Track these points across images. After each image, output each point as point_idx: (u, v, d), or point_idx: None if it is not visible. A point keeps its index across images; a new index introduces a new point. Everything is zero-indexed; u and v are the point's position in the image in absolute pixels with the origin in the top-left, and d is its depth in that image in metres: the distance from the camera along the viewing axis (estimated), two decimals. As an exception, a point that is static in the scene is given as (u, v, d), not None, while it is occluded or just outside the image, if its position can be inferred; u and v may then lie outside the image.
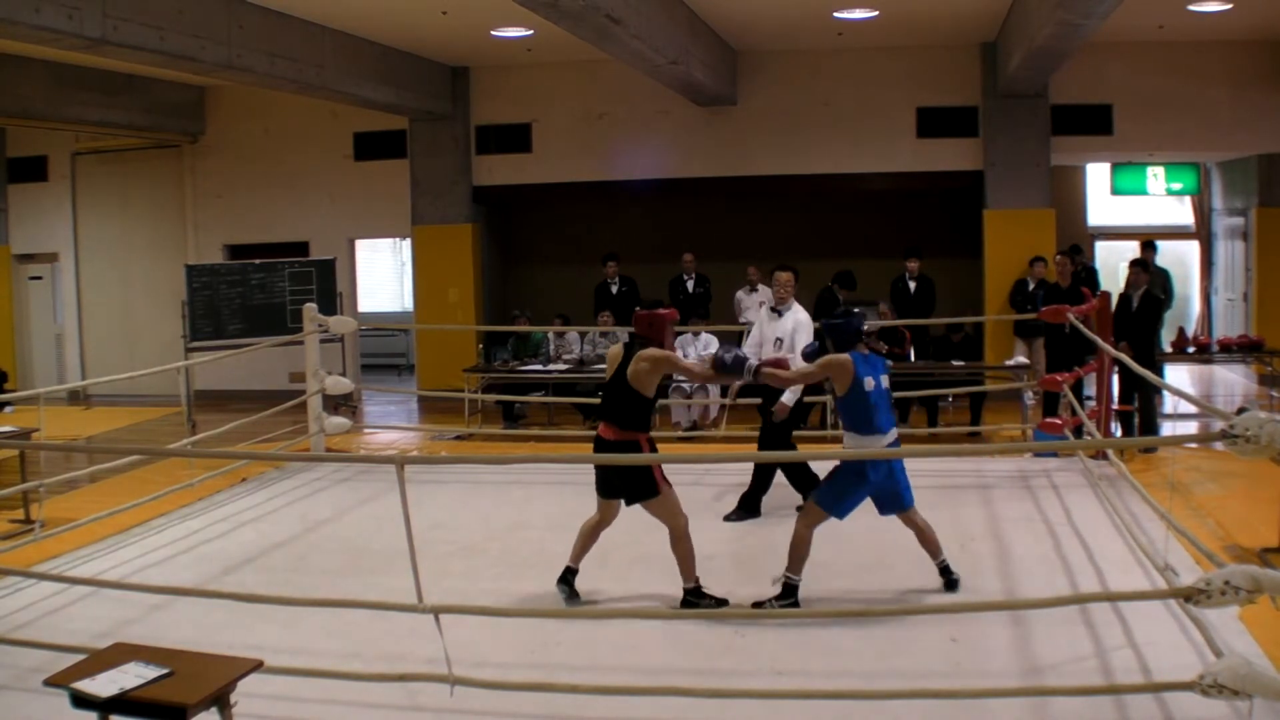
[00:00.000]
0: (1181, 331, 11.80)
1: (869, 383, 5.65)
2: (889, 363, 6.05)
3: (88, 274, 15.36)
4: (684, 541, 5.72)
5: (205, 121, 14.70)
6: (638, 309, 5.93)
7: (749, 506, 7.63)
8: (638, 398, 5.67)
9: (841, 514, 5.75)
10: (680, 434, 10.66)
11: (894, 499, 5.83)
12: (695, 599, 5.73)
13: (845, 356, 5.65)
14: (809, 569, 6.34)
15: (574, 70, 13.38)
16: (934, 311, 11.64)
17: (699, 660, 5.05)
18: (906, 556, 6.60)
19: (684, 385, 10.86)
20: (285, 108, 14.03)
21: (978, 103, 12.75)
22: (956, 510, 7.62)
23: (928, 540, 5.93)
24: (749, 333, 8.02)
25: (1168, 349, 11.14)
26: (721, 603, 5.72)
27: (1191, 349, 11.51)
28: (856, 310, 5.90)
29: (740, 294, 12.07)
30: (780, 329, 7.46)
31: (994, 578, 6.18)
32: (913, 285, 11.76)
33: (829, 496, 5.72)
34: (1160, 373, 9.55)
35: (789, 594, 5.67)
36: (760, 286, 12.02)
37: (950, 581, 5.91)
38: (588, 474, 8.70)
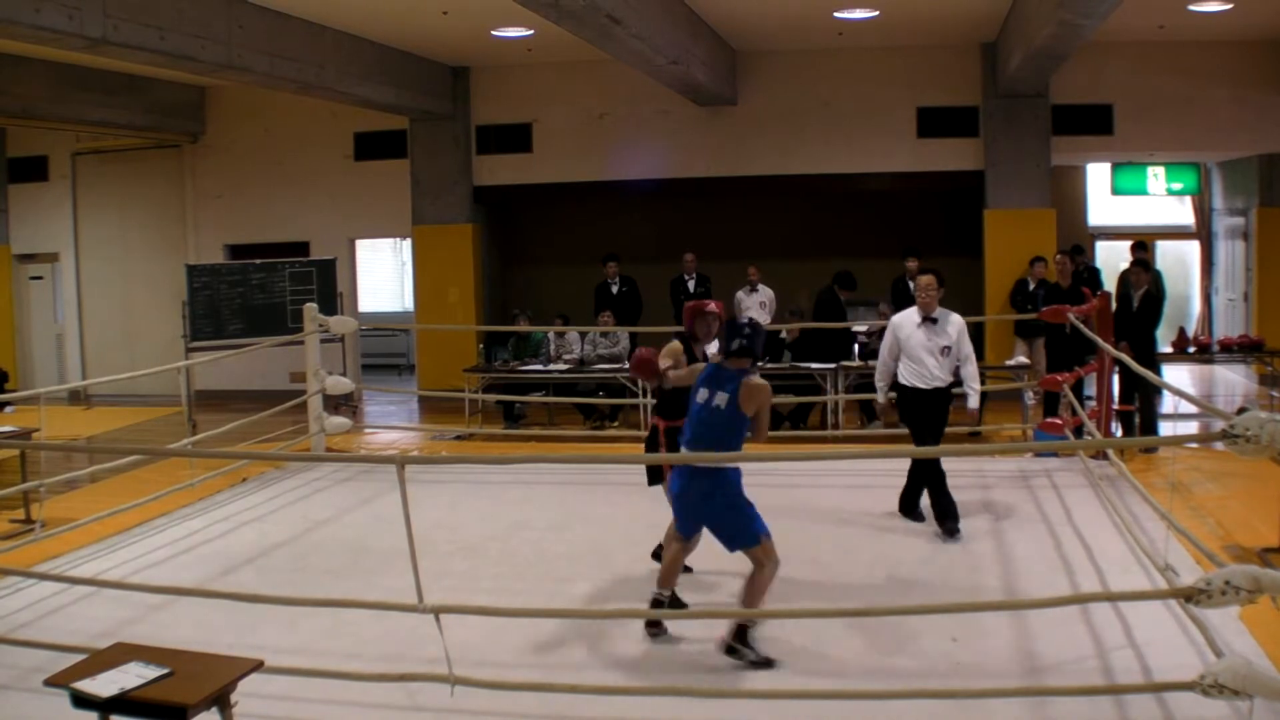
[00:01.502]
0: (1182, 331, 11.79)
1: (701, 394, 5.12)
2: (757, 384, 5.05)
3: (88, 274, 15.36)
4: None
5: (205, 121, 14.71)
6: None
7: (940, 514, 7.13)
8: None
9: (679, 530, 5.33)
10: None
11: (727, 532, 5.09)
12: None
13: (700, 365, 5.47)
14: (809, 568, 6.35)
15: (574, 70, 13.38)
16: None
17: (699, 660, 5.05)
18: (907, 557, 6.62)
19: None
20: (285, 108, 14.03)
21: (978, 103, 12.75)
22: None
23: (751, 592, 5.05)
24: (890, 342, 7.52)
25: (1167, 349, 11.14)
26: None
27: (1192, 349, 11.51)
28: (747, 326, 5.14)
29: (740, 294, 12.06)
30: (944, 336, 7.05)
31: (994, 578, 6.18)
32: (913, 285, 11.72)
33: None
34: (1158, 373, 9.54)
35: (655, 606, 5.40)
36: (760, 286, 12.02)
37: (732, 648, 4.94)
38: (588, 474, 8.81)
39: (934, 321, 7.08)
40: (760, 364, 10.74)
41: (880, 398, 7.62)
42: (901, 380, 7.23)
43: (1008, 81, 11.96)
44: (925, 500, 7.27)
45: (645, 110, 13.36)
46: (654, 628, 5.31)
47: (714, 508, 5.08)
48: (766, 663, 4.92)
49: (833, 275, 11.24)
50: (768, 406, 5.10)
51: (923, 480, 7.21)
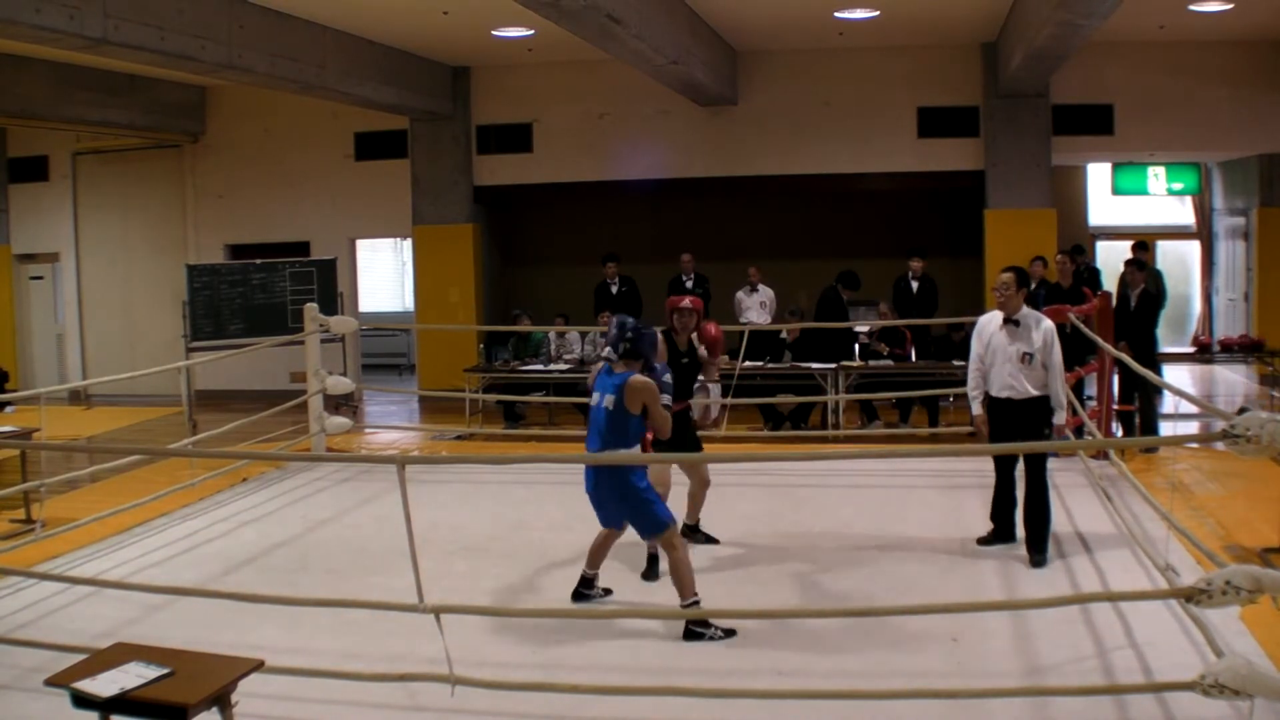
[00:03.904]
0: (1196, 338, 11.74)
1: (594, 398, 5.50)
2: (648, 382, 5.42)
3: (88, 274, 15.36)
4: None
5: (206, 121, 14.71)
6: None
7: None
8: None
9: (602, 523, 5.70)
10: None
11: (638, 523, 5.48)
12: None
13: (598, 367, 5.65)
14: (809, 568, 6.36)
15: (574, 70, 13.38)
16: (936, 311, 11.63)
17: (699, 660, 5.05)
18: (907, 557, 6.62)
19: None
20: (285, 108, 14.04)
21: (979, 103, 12.75)
22: (957, 510, 7.62)
23: (680, 577, 5.39)
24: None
25: (1189, 350, 11.10)
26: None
27: (1192, 349, 11.51)
28: (629, 330, 5.50)
29: (740, 294, 12.06)
30: (1025, 341, 6.42)
31: (994, 578, 6.18)
32: (915, 285, 11.74)
33: None
34: (1158, 373, 9.54)
35: (582, 585, 5.84)
36: (760, 286, 12.02)
37: (693, 633, 5.25)
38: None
39: (1016, 324, 6.47)
40: (763, 363, 10.84)
41: (975, 409, 6.70)
42: (989, 390, 6.60)
43: (1008, 81, 11.96)
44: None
45: (645, 110, 13.37)
46: (581, 595, 5.82)
47: (624, 505, 5.44)
48: (729, 632, 5.27)
49: (835, 274, 11.24)
50: (655, 402, 5.36)
51: (1036, 502, 6.47)
